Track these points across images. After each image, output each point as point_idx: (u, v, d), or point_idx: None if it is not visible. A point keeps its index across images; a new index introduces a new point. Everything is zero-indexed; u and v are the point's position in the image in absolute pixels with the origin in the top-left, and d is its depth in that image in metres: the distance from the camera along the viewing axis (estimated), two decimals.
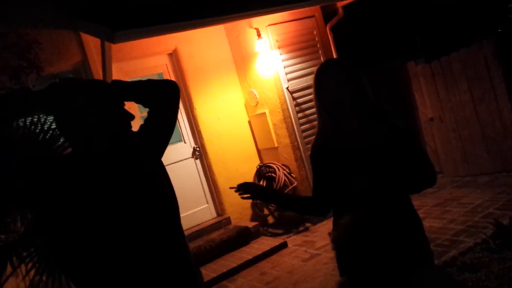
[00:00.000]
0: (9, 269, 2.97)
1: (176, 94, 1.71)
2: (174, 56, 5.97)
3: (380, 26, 7.43)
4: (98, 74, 4.97)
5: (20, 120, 3.16)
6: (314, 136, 2.08)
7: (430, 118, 6.36)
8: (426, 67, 6.25)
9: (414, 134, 1.98)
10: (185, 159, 5.93)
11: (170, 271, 1.60)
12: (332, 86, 1.89)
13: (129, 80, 1.73)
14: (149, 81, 1.72)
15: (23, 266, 3.10)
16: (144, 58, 5.71)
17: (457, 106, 5.99)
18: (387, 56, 6.87)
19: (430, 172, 1.94)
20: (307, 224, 5.74)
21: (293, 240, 5.43)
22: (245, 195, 2.05)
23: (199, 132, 5.96)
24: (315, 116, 2.07)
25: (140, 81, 1.70)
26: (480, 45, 5.61)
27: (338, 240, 1.51)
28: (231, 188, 2.08)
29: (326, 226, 5.45)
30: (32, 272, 3.01)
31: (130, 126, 1.66)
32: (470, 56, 5.73)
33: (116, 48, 4.82)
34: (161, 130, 1.68)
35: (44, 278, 2.98)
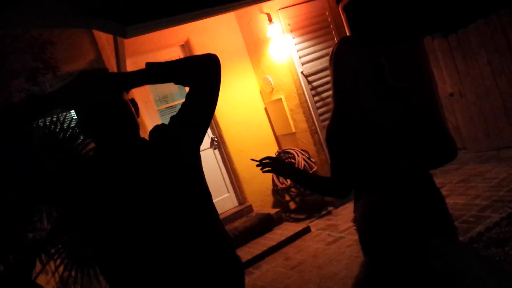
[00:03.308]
0: (38, 266, 3.04)
1: (218, 66, 1.60)
2: (186, 47, 5.97)
3: (393, 2, 7.29)
4: (112, 70, 5.01)
5: (40, 121, 3.21)
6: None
7: (450, 93, 6.25)
8: (443, 42, 6.12)
9: (433, 109, 1.95)
10: (204, 149, 5.94)
11: (209, 258, 1.59)
12: (355, 63, 1.84)
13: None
14: (188, 58, 1.66)
15: (52, 263, 3.17)
16: (157, 51, 5.72)
17: (477, 80, 5.87)
18: (402, 33, 6.74)
19: (450, 145, 1.91)
20: (330, 208, 5.73)
21: (316, 225, 5.43)
22: (266, 169, 2.04)
23: (216, 122, 5.98)
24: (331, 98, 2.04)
25: (178, 59, 1.62)
26: (497, 15, 5.46)
27: (358, 220, 1.50)
28: (252, 160, 2.06)
29: (348, 209, 5.43)
30: (61, 268, 3.07)
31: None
32: (488, 27, 5.58)
33: (129, 43, 4.84)
34: (205, 110, 1.59)
35: (73, 273, 3.04)
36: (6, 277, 2.88)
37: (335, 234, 4.93)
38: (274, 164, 2.05)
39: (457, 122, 6.30)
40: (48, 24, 4.72)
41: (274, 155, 6.17)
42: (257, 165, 2.05)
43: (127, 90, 1.61)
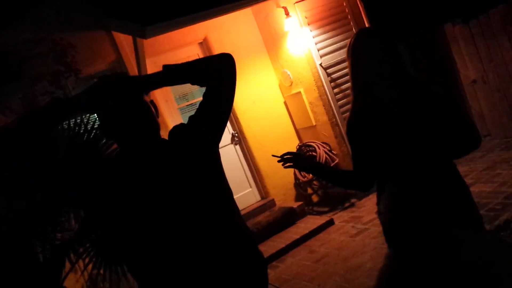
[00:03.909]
0: (67, 265, 3.11)
1: (233, 66, 1.64)
2: (204, 45, 6.00)
3: None
4: (133, 71, 5.07)
5: (64, 123, 3.27)
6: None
7: (472, 80, 6.13)
8: (464, 28, 6.00)
9: (454, 99, 1.91)
10: (225, 145, 5.99)
11: (230, 255, 1.60)
12: (372, 55, 1.81)
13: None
14: (203, 58, 1.69)
15: (80, 262, 3.24)
16: (175, 50, 5.76)
17: (500, 65, 5.74)
18: (422, 20, 6.63)
19: (473, 133, 1.88)
20: (353, 200, 5.70)
21: (339, 217, 5.41)
22: (288, 164, 2.04)
23: (236, 118, 6.00)
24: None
25: (194, 60, 1.66)
26: None
27: (382, 212, 1.50)
28: (274, 156, 2.07)
29: (372, 200, 5.40)
30: (90, 267, 3.14)
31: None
32: (509, 11, 5.45)
33: (148, 43, 4.89)
34: (222, 109, 1.62)
35: (101, 271, 3.11)
36: (37, 277, 2.96)
37: (359, 226, 4.91)
38: (295, 159, 2.06)
39: (481, 109, 6.18)
40: (68, 28, 4.81)
41: (295, 149, 6.16)
42: (279, 161, 2.06)
43: (146, 92, 1.64)
